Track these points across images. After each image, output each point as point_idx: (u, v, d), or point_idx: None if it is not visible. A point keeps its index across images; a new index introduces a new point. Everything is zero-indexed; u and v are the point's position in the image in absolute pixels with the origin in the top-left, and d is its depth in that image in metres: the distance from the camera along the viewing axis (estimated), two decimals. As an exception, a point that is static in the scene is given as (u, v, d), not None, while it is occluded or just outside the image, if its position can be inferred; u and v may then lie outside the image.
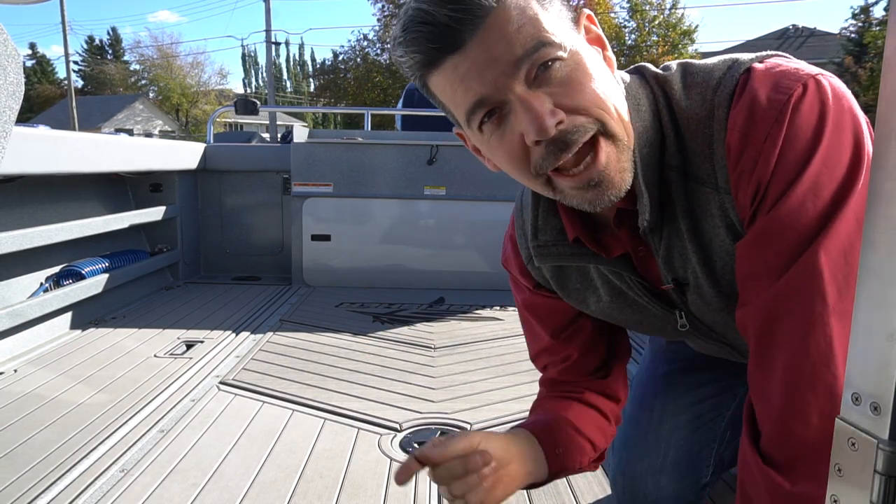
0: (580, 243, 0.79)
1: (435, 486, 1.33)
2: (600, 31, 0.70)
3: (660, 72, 0.74)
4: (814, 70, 0.66)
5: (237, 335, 2.45)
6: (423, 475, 1.37)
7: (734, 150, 0.66)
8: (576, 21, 0.67)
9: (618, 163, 0.66)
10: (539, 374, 1.02)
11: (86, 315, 2.59)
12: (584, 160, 0.65)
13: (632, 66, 0.77)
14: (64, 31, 27.46)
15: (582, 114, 0.63)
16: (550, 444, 0.85)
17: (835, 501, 0.44)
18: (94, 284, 2.60)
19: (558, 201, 0.78)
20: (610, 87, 0.66)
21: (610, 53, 0.70)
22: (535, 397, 0.99)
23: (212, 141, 4.10)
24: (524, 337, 1.04)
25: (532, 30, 0.61)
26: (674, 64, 0.75)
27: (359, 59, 26.41)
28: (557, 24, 0.63)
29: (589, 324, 0.94)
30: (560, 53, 0.62)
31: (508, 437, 0.82)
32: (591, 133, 0.64)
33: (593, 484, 1.35)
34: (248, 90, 47.50)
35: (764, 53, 0.71)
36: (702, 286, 0.76)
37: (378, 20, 25.12)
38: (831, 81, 0.65)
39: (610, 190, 0.66)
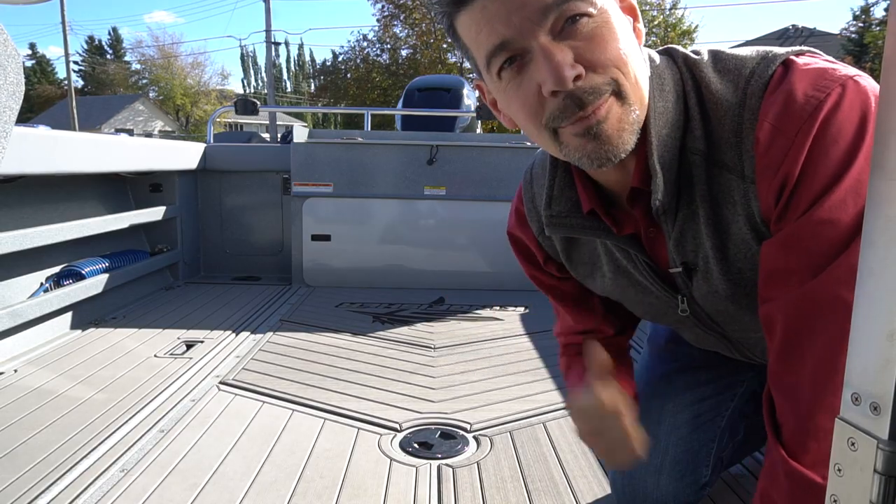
0: (593, 217, 0.80)
1: (435, 487, 1.34)
2: (634, 2, 0.70)
3: (690, 54, 0.74)
4: (851, 71, 0.66)
5: (237, 335, 2.45)
6: (423, 479, 1.37)
7: (763, 141, 0.66)
8: None
9: (618, 122, 0.66)
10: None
11: (86, 315, 2.59)
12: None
13: (662, 47, 0.77)
14: (64, 31, 27.47)
15: (600, 71, 0.64)
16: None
17: (835, 501, 0.44)
18: (94, 284, 2.60)
19: (575, 173, 0.80)
20: (632, 52, 0.66)
21: (641, 25, 0.70)
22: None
23: (212, 141, 4.10)
24: (551, 305, 1.06)
25: None
26: (703, 49, 0.75)
27: (358, 60, 26.37)
28: None
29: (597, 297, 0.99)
30: (590, 10, 0.62)
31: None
32: (606, 95, 0.64)
33: (593, 484, 1.35)
34: (248, 90, 47.53)
35: (797, 49, 0.71)
36: (711, 272, 0.76)
37: (378, 20, 25.12)
38: (869, 83, 0.65)
39: (607, 145, 0.66)
